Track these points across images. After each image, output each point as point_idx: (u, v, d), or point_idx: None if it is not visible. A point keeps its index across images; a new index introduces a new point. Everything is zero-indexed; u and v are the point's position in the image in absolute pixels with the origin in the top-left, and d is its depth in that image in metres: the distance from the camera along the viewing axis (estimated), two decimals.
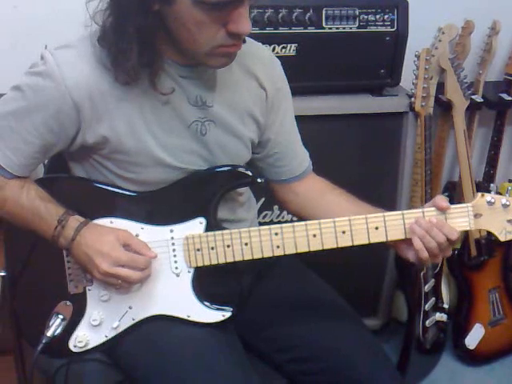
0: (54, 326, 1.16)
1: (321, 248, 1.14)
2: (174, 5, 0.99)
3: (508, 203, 1.13)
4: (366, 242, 1.13)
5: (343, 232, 1.13)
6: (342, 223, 1.13)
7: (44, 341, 1.14)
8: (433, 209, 1.13)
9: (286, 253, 1.14)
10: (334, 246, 1.14)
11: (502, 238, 1.14)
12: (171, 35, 1.06)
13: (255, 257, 1.15)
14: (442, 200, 1.13)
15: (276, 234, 1.14)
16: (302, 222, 1.14)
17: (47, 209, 1.14)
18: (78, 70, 1.08)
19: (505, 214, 1.13)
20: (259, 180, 1.19)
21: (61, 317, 1.17)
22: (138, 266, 1.12)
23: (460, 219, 1.13)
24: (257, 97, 1.24)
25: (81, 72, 1.08)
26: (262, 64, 1.25)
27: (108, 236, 1.12)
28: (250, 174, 1.19)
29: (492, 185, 2.03)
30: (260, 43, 1.29)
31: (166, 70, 1.11)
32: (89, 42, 1.10)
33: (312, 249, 1.14)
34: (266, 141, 1.29)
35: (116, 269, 1.10)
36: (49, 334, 1.15)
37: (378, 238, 1.13)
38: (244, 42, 1.10)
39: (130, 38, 1.03)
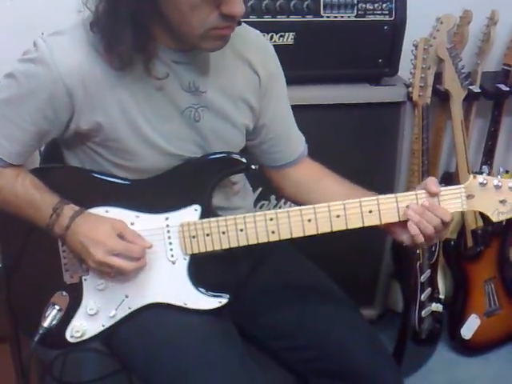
0: (51, 317, 1.16)
1: (316, 232, 1.13)
2: None
3: (500, 184, 1.13)
4: (360, 225, 1.13)
5: (337, 216, 1.12)
6: (337, 207, 1.12)
7: (41, 331, 1.14)
8: (424, 191, 1.13)
9: (281, 238, 1.14)
10: (329, 230, 1.13)
11: (494, 219, 1.14)
12: (165, 19, 1.05)
13: (250, 243, 1.14)
14: (432, 184, 1.12)
15: (271, 219, 1.13)
16: (297, 208, 1.13)
17: (42, 198, 1.13)
18: (71, 56, 1.07)
19: (497, 194, 1.13)
20: (253, 167, 1.19)
21: (57, 307, 1.17)
22: (132, 256, 1.12)
23: (453, 200, 1.14)
24: (250, 82, 1.23)
25: (74, 58, 1.07)
26: (255, 49, 1.24)
27: (103, 225, 1.12)
28: (244, 160, 1.18)
29: (484, 166, 2.02)
30: (254, 29, 1.28)
31: (159, 56, 1.10)
32: (82, 28, 1.09)
33: (307, 233, 1.13)
34: (260, 127, 1.28)
35: (110, 258, 1.10)
36: (45, 324, 1.15)
37: (372, 221, 1.13)
38: (239, 24, 1.09)
39: (123, 22, 1.02)
